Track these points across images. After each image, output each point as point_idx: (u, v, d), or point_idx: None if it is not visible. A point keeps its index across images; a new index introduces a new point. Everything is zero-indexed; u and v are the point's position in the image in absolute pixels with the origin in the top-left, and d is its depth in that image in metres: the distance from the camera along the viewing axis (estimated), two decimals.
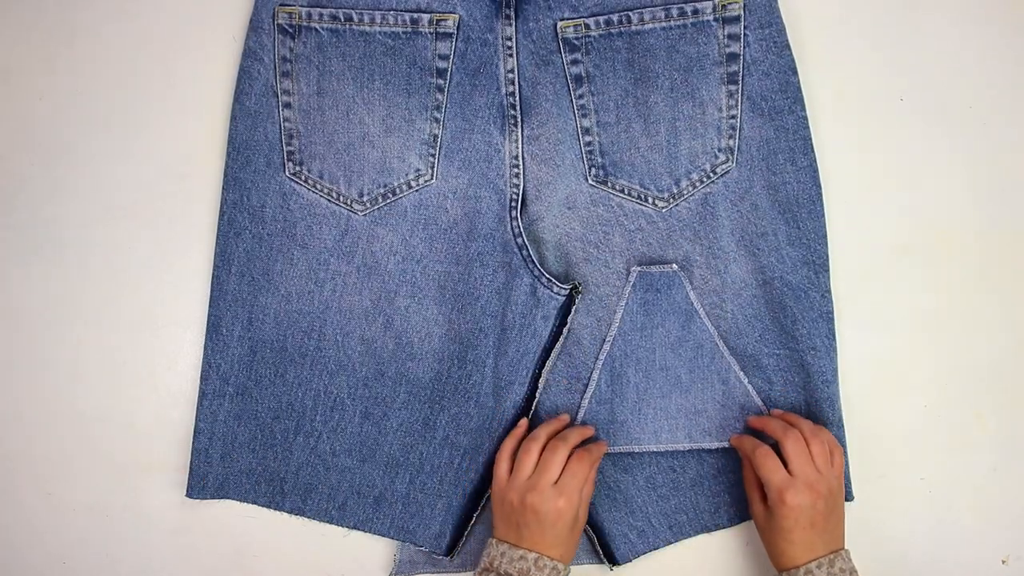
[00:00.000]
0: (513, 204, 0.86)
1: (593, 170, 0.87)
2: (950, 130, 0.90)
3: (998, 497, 0.88)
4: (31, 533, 0.88)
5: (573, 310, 0.86)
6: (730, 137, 0.86)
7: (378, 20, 0.86)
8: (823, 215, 0.86)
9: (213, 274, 0.87)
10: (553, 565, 0.77)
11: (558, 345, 0.86)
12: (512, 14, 0.86)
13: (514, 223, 0.86)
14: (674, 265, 0.86)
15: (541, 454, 0.80)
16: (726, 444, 0.86)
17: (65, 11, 0.92)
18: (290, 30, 0.87)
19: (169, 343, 0.89)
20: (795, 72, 0.85)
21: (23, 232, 0.90)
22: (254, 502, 0.87)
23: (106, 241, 0.90)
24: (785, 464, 0.79)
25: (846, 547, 0.80)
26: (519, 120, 0.87)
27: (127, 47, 0.91)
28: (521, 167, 0.87)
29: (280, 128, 0.87)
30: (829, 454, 0.80)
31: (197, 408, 0.86)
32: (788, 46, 0.85)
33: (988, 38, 0.91)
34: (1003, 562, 0.87)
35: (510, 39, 0.86)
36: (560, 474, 0.79)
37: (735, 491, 0.87)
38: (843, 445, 0.85)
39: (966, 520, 0.88)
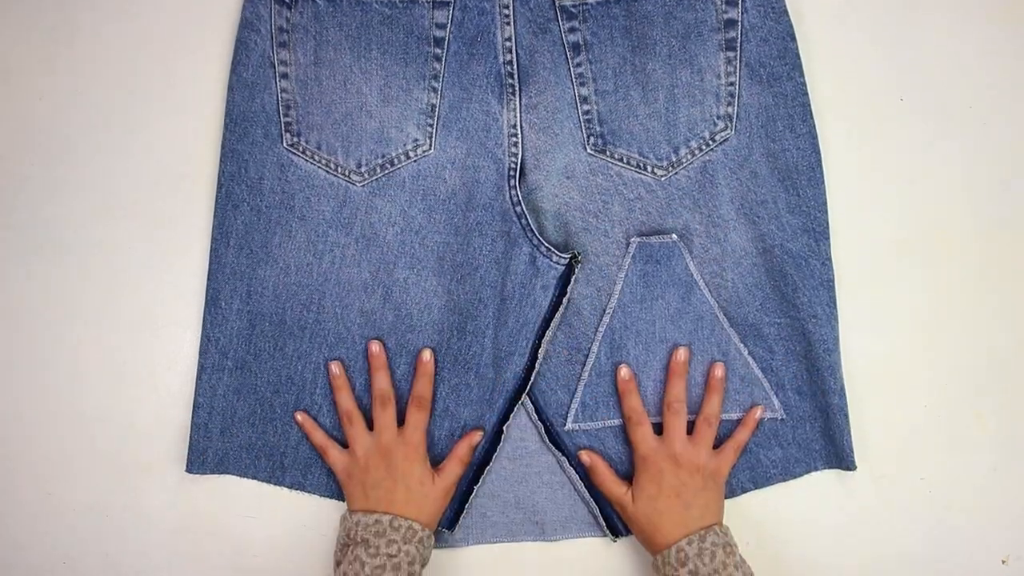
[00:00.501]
0: (512, 173, 0.86)
1: (592, 139, 0.87)
2: (950, 130, 0.91)
3: (998, 497, 0.88)
4: (31, 533, 0.88)
5: (573, 280, 0.85)
6: (729, 104, 0.86)
7: None
8: (823, 182, 0.86)
9: (211, 247, 0.87)
10: (408, 524, 0.78)
11: (558, 315, 0.85)
12: None
13: (512, 192, 0.86)
14: (674, 235, 0.86)
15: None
16: (724, 416, 0.86)
17: (65, 11, 0.92)
18: (287, 0, 0.86)
19: (169, 343, 0.89)
20: (793, 38, 0.85)
21: (23, 232, 0.90)
22: (254, 477, 0.87)
23: (106, 241, 0.90)
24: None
25: (724, 523, 0.80)
26: (517, 89, 0.86)
27: (127, 47, 0.91)
28: (519, 136, 0.87)
29: (277, 99, 0.87)
30: (709, 445, 0.82)
31: (196, 382, 0.86)
32: (786, 11, 0.85)
33: (988, 37, 0.91)
34: (1003, 562, 0.87)
35: (507, 7, 0.86)
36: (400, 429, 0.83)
37: (738, 461, 0.86)
38: (845, 413, 0.85)
39: (966, 520, 0.88)
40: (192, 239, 0.89)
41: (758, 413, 0.86)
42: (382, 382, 0.85)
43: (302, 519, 0.88)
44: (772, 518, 0.87)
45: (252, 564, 0.87)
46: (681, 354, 0.85)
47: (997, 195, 0.90)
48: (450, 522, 0.86)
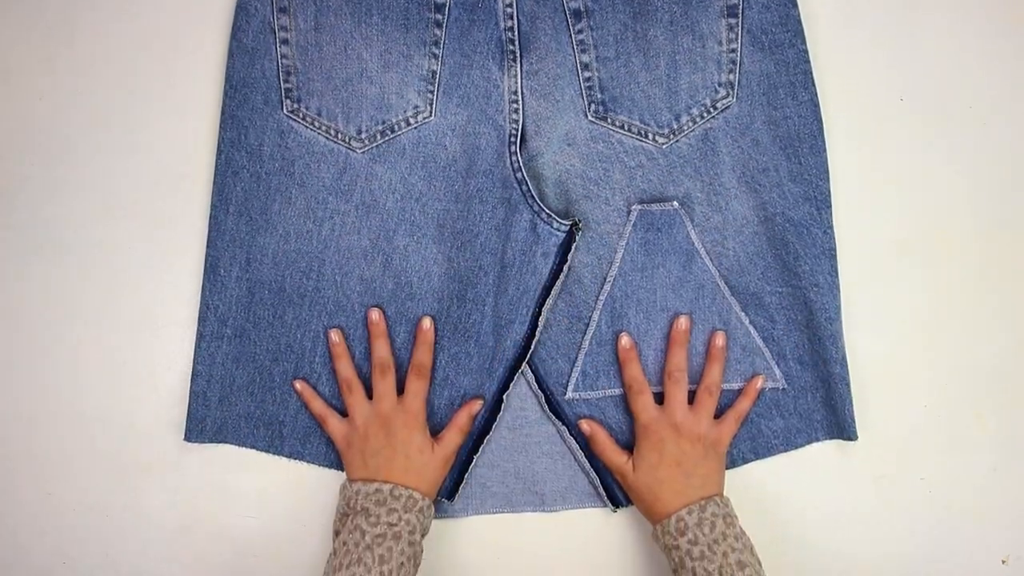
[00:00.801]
0: (512, 139, 0.86)
1: (593, 106, 0.87)
2: (950, 130, 0.90)
3: (998, 497, 0.88)
4: (31, 533, 0.87)
5: (573, 247, 0.85)
6: (730, 71, 0.86)
7: None
8: (824, 150, 0.86)
9: (210, 214, 0.86)
10: (408, 493, 0.77)
11: (558, 283, 0.85)
12: None
13: (513, 158, 0.85)
14: (675, 203, 0.85)
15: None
16: (725, 386, 0.86)
17: (65, 11, 0.92)
18: None
19: (169, 343, 0.89)
20: (795, 5, 0.85)
21: (23, 232, 0.90)
22: (252, 446, 0.87)
23: (106, 241, 0.90)
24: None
25: (726, 494, 0.80)
26: (518, 55, 0.86)
27: (127, 47, 0.91)
28: (520, 102, 0.86)
29: (278, 65, 0.87)
30: (711, 413, 0.82)
31: (195, 350, 0.86)
32: None
33: (988, 38, 0.91)
34: (1003, 562, 0.87)
35: None
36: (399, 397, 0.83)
37: (739, 431, 0.86)
38: (846, 383, 0.85)
39: (966, 520, 0.87)
40: (192, 239, 0.89)
41: (759, 383, 0.85)
42: (382, 350, 0.84)
43: (302, 520, 0.87)
44: (771, 517, 0.87)
45: (252, 564, 0.87)
46: (682, 323, 0.85)
47: (997, 195, 0.90)
48: (449, 492, 0.85)
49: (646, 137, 0.87)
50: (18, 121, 0.90)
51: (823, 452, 0.88)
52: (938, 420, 0.88)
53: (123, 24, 0.91)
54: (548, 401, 0.86)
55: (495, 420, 0.85)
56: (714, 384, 0.84)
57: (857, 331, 0.88)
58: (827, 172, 0.86)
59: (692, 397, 0.84)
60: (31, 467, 0.88)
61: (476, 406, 0.85)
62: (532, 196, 0.85)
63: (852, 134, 0.90)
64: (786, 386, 0.86)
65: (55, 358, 0.89)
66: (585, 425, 0.85)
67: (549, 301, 0.85)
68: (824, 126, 0.87)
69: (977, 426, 0.88)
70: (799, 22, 0.85)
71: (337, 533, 0.79)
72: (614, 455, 0.84)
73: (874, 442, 0.88)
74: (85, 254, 0.89)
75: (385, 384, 0.83)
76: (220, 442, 0.86)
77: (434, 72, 0.87)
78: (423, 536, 0.79)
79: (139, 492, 0.88)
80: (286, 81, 0.87)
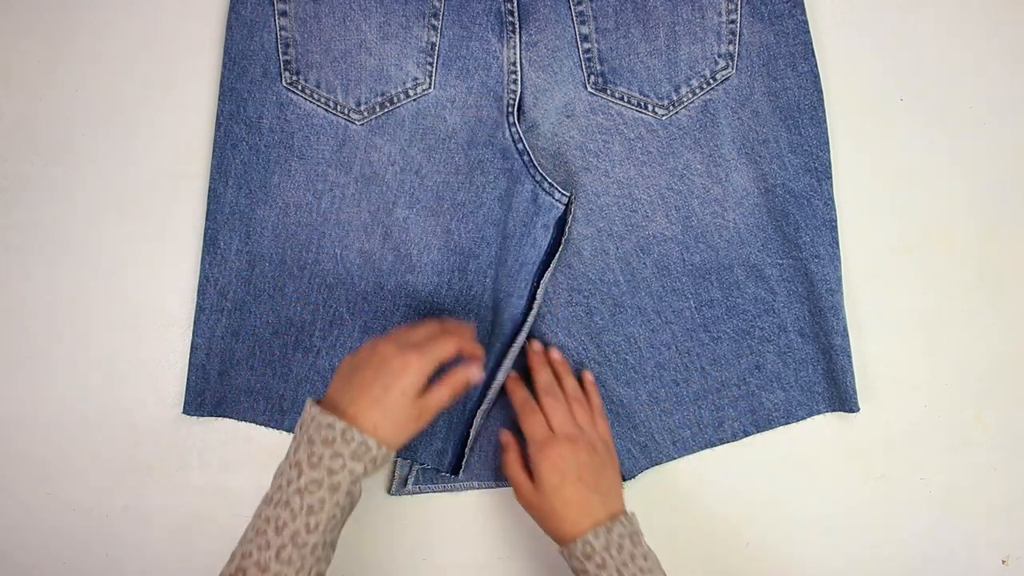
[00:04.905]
0: (510, 110, 0.85)
1: (592, 77, 0.86)
2: (950, 130, 0.90)
3: (998, 497, 0.88)
4: (31, 533, 0.87)
5: (571, 219, 0.84)
6: (730, 42, 0.86)
7: None
8: (824, 121, 0.86)
9: (210, 187, 0.86)
10: (362, 440, 0.68)
11: (556, 256, 0.84)
12: None
13: (512, 129, 0.85)
14: None
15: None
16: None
17: (65, 11, 0.91)
18: None
19: (169, 343, 0.89)
20: None
21: (23, 232, 0.90)
22: (252, 420, 0.86)
23: (106, 241, 0.89)
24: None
25: (628, 511, 0.77)
26: (517, 27, 0.86)
27: (127, 47, 0.91)
28: (519, 74, 0.86)
29: (276, 37, 0.86)
30: (591, 416, 0.80)
31: (194, 323, 0.86)
32: None
33: (988, 38, 0.91)
34: (1003, 562, 0.87)
35: None
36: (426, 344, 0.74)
37: (739, 404, 0.86)
38: (848, 354, 0.85)
39: (966, 520, 0.88)
40: (192, 239, 0.89)
41: (590, 376, 0.84)
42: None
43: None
44: (770, 517, 0.87)
45: None
46: (535, 345, 0.84)
47: (997, 195, 0.90)
48: (453, 467, 0.85)
49: (646, 109, 0.86)
50: (18, 121, 0.90)
51: (823, 451, 0.88)
52: (938, 420, 0.88)
53: (123, 24, 0.91)
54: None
55: (488, 394, 0.84)
56: (572, 391, 0.82)
57: (857, 331, 0.88)
58: (827, 143, 0.86)
59: None
60: (31, 467, 0.88)
61: (476, 374, 0.79)
62: (534, 166, 0.84)
63: (852, 134, 0.90)
64: None
65: (55, 358, 0.88)
66: (505, 436, 0.82)
67: (547, 274, 0.84)
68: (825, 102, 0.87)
69: (977, 426, 0.88)
70: None
71: (294, 443, 0.71)
72: (520, 473, 0.79)
73: (874, 442, 0.88)
74: (85, 254, 0.89)
75: (425, 330, 0.76)
76: (220, 416, 0.86)
77: (433, 44, 0.86)
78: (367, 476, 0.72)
79: (139, 492, 0.88)
80: (285, 53, 0.86)
